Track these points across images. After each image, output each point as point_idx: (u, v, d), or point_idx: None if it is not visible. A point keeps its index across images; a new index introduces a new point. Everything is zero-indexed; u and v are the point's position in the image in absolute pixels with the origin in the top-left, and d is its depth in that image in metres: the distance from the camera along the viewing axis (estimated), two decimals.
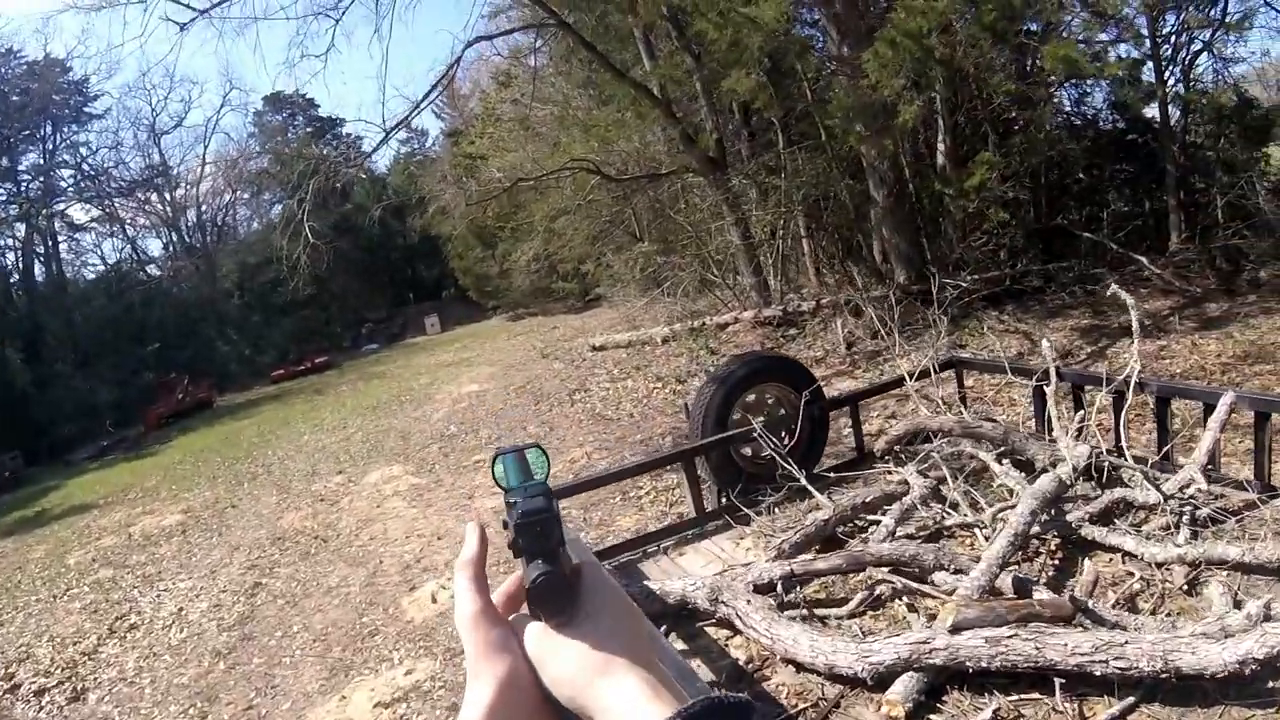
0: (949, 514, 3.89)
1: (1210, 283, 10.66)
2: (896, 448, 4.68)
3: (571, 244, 18.00)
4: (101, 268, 39.31)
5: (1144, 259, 11.31)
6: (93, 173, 38.98)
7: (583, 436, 9.75)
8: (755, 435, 4.52)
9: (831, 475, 4.72)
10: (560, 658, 0.64)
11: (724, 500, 4.66)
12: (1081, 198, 13.96)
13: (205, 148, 41.97)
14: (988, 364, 6.22)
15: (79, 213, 39.04)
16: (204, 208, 42.89)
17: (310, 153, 30.67)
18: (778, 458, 4.35)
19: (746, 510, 4.38)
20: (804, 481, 4.24)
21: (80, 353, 31.46)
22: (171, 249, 41.45)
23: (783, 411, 4.97)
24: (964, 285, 11.17)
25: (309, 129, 47.09)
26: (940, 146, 12.47)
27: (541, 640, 0.66)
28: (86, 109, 38.26)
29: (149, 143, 40.21)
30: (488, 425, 11.90)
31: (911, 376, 5.11)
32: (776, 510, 4.45)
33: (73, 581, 9.44)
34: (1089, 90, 14.11)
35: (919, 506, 3.87)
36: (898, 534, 3.67)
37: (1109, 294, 11.12)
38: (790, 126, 14.13)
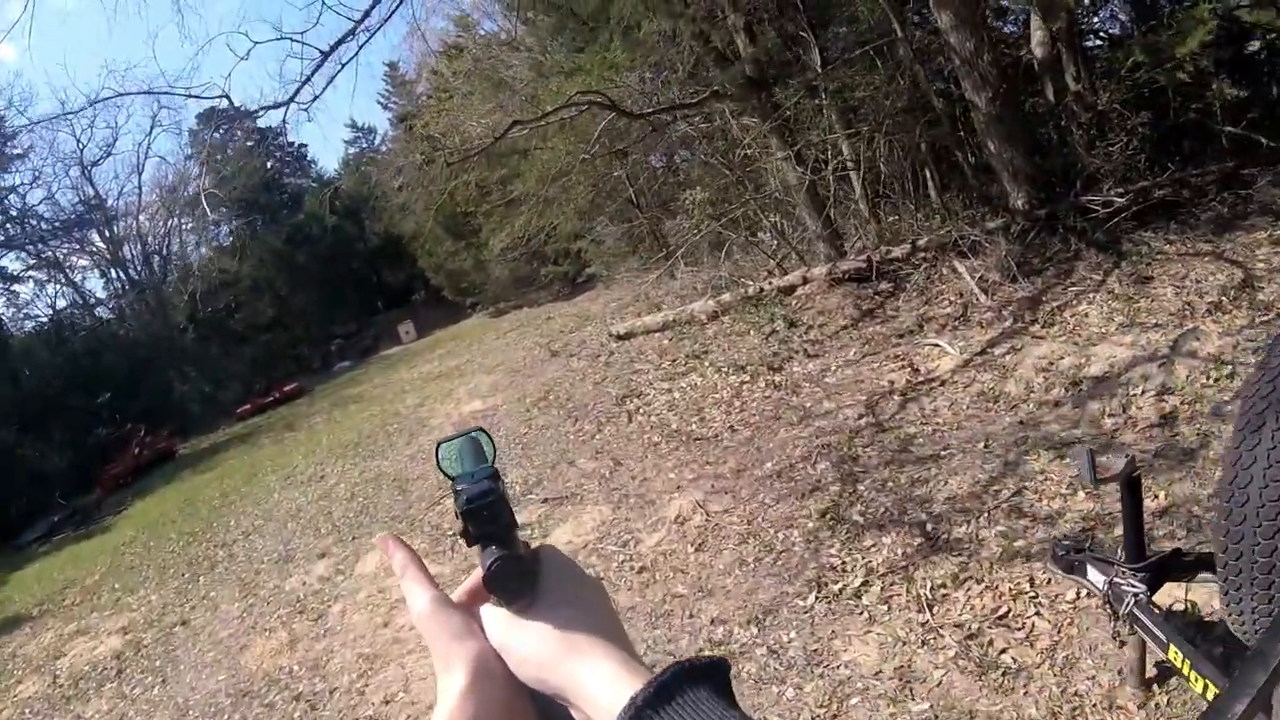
0: None
1: None
2: None
3: (566, 213, 15.06)
4: (46, 319, 35.99)
5: None
6: (20, 216, 35.69)
7: (674, 473, 6.41)
8: None
9: None
10: (525, 640, 0.59)
11: None
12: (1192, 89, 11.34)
13: (140, 175, 38.78)
14: None
15: (13, 263, 35.75)
16: (147, 239, 39.59)
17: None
18: None
19: None
20: None
21: (26, 416, 28.05)
22: (119, 285, 38.17)
23: None
24: (1117, 202, 8.44)
25: (249, 143, 43.84)
26: (1036, 34, 9.75)
27: (504, 625, 0.61)
28: (5, 149, 34.96)
29: (80, 178, 37.06)
30: (518, 463, 8.23)
31: None
32: None
33: None
34: None
35: None
36: None
37: None
38: (839, 37, 11.37)
